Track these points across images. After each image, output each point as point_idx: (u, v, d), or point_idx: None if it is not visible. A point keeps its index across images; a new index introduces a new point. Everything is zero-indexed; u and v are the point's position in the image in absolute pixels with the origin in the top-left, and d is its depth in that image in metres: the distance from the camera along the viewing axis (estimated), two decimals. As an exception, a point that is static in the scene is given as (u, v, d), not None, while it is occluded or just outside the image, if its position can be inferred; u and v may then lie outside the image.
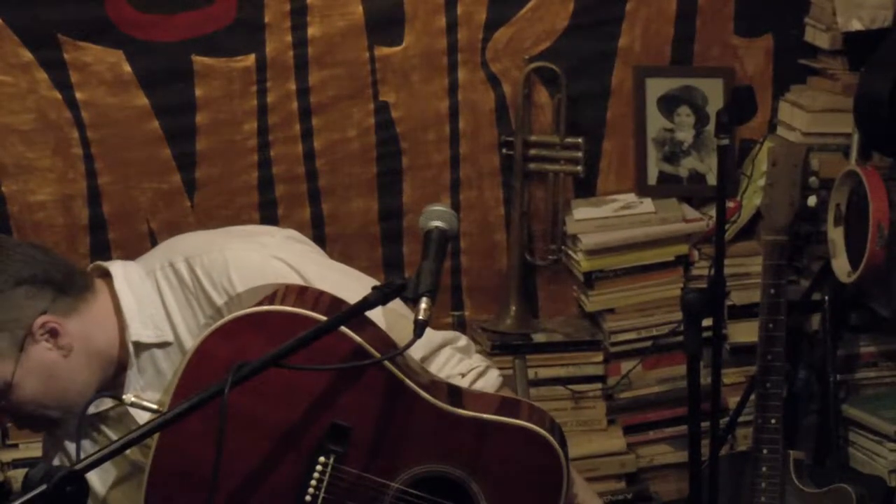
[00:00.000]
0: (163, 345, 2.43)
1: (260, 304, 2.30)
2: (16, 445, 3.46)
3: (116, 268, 2.46)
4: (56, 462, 2.48)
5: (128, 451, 2.35)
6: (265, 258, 2.40)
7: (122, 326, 2.41)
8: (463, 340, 2.53)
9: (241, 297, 2.36)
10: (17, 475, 3.41)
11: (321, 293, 2.35)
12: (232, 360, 2.15)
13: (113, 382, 2.43)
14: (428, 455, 2.32)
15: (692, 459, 2.91)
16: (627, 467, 3.68)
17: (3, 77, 3.37)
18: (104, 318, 2.41)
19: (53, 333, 2.34)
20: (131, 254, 2.96)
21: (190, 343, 2.37)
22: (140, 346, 2.42)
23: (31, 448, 3.41)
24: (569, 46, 3.61)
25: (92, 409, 2.45)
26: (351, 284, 2.37)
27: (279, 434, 2.28)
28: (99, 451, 2.02)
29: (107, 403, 2.46)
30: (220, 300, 2.38)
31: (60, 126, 3.43)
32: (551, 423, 2.41)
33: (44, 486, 1.95)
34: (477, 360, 2.52)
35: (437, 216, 2.24)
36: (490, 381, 2.50)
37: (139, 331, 2.41)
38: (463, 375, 2.47)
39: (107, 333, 2.41)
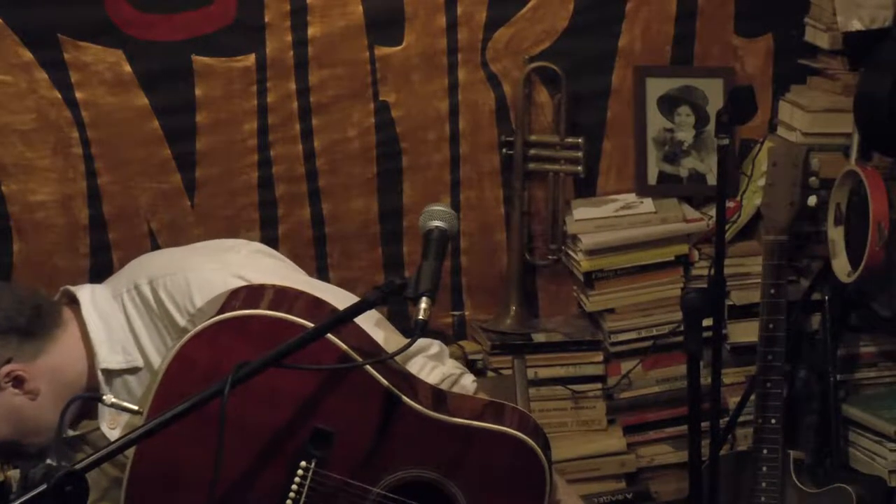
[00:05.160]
0: (133, 370, 2.43)
1: (234, 307, 2.29)
2: (16, 445, 3.46)
3: (84, 293, 2.46)
4: None
5: (105, 467, 2.35)
6: (226, 277, 2.39)
7: (90, 354, 2.41)
8: (435, 347, 2.53)
9: (202, 310, 2.35)
10: (17, 475, 3.40)
11: (300, 294, 2.34)
12: (213, 365, 2.15)
13: (87, 409, 2.43)
14: (410, 460, 2.31)
15: (692, 459, 2.92)
16: (627, 467, 3.67)
17: (3, 77, 3.37)
18: (72, 350, 2.41)
19: (19, 381, 2.35)
20: (131, 254, 2.97)
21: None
22: (110, 373, 2.42)
23: (31, 448, 3.41)
24: (569, 46, 3.60)
25: (72, 432, 2.46)
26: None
27: (262, 437, 2.27)
28: (98, 451, 2.02)
29: (85, 427, 2.46)
30: (183, 322, 2.38)
31: (60, 126, 3.42)
32: (535, 427, 2.40)
33: (44, 486, 1.96)
34: (450, 368, 2.51)
35: (437, 216, 2.24)
36: (464, 389, 2.49)
37: (108, 357, 2.41)
38: (437, 385, 2.46)
39: (76, 366, 2.41)
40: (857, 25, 3.48)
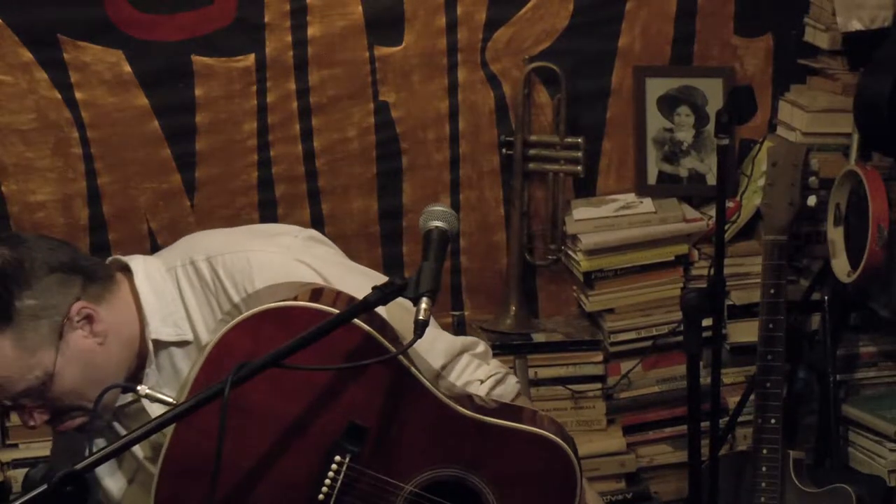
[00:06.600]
0: (182, 343, 2.41)
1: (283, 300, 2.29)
2: (16, 445, 3.46)
3: (137, 263, 2.44)
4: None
5: (137, 451, 2.35)
6: (288, 261, 2.39)
7: (142, 323, 2.40)
8: (481, 346, 2.53)
9: (258, 294, 2.35)
10: (17, 475, 3.41)
11: (339, 293, 2.34)
12: (252, 354, 2.14)
13: (133, 379, 2.42)
14: (443, 458, 2.31)
15: (692, 459, 2.92)
16: (627, 467, 3.68)
17: (3, 77, 3.37)
18: (127, 312, 2.39)
19: (90, 319, 2.32)
20: (131, 254, 2.96)
21: None
22: (159, 344, 2.40)
23: (32, 448, 3.41)
24: (569, 46, 3.61)
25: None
26: (371, 286, 2.36)
27: (295, 430, 2.26)
28: (99, 450, 2.02)
29: (127, 397, 2.45)
30: (237, 299, 2.37)
31: (60, 126, 3.43)
32: (565, 432, 2.40)
33: (44, 486, 1.96)
34: (495, 367, 2.51)
35: (437, 216, 2.24)
36: (509, 388, 2.49)
37: (159, 328, 2.39)
38: (482, 381, 2.46)
39: (130, 327, 2.39)
40: (856, 25, 3.48)
